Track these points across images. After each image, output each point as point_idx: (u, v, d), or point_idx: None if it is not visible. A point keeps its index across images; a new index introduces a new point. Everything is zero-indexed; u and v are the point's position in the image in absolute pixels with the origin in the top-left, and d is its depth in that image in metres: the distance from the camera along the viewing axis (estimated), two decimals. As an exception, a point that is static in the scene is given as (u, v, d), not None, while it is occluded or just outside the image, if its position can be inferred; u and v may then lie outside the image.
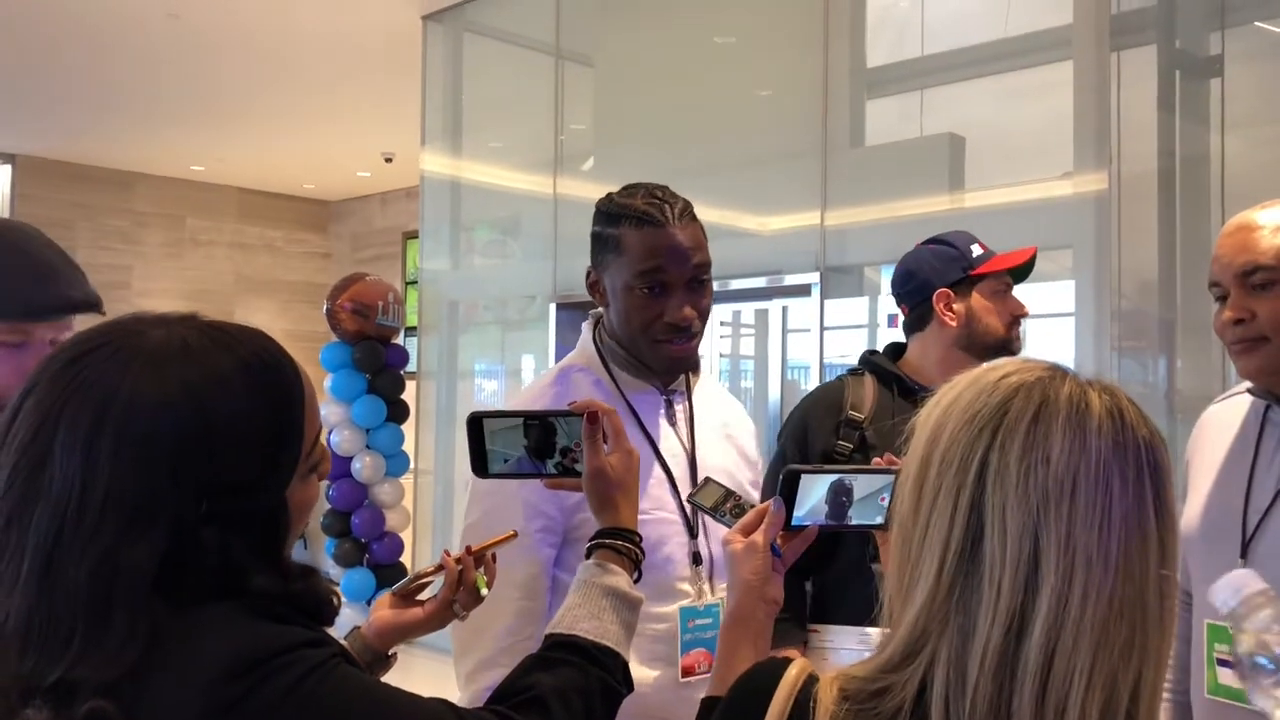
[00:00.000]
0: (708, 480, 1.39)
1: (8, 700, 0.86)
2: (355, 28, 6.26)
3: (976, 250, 2.20)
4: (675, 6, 5.17)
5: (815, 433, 2.18)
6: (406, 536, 5.88)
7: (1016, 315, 2.19)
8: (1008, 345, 2.17)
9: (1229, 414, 1.76)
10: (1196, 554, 1.69)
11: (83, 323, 1.69)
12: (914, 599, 0.89)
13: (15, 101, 8.04)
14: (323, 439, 1.06)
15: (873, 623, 1.86)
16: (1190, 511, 1.71)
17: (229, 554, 0.92)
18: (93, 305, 1.66)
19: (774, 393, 4.88)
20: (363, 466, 5.57)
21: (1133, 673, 0.84)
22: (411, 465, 5.97)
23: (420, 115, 6.25)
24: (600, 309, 1.83)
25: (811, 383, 4.40)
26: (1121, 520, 0.84)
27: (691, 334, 1.72)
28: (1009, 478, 0.86)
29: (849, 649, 1.94)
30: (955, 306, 2.17)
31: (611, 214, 1.72)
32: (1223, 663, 1.60)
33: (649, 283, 1.68)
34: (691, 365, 1.81)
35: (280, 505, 0.97)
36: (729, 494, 1.36)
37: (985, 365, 0.94)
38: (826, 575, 2.21)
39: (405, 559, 5.84)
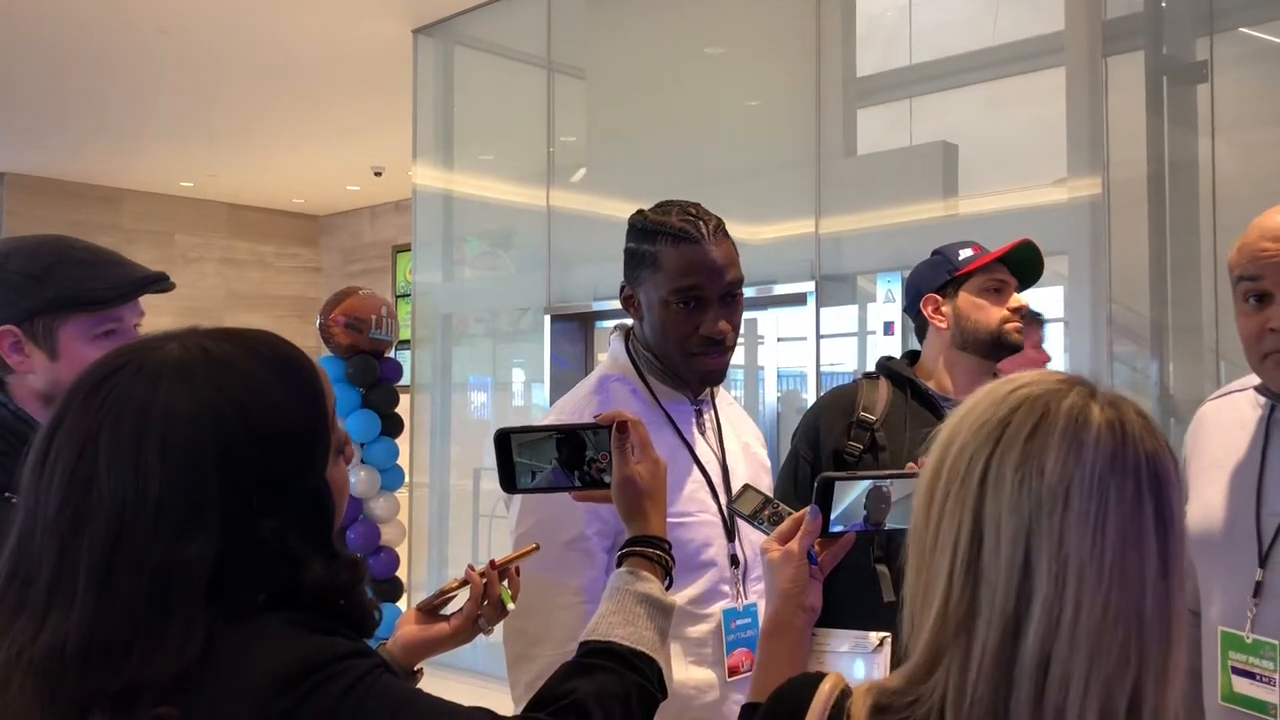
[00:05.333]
0: (746, 488, 1.41)
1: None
2: (345, 42, 6.26)
3: (965, 254, 2.27)
4: (666, 18, 5.18)
5: (826, 433, 2.23)
6: (402, 550, 5.86)
7: (1013, 310, 2.23)
8: (1000, 340, 2.22)
9: (1229, 412, 1.73)
10: (1207, 559, 1.66)
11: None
12: (930, 606, 0.91)
13: (3, 119, 8.01)
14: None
15: (874, 626, 1.88)
16: (1195, 514, 1.66)
17: (286, 542, 0.95)
18: (163, 277, 1.74)
19: (770, 401, 4.90)
20: (358, 481, 5.55)
21: (1130, 683, 0.85)
22: (407, 479, 5.96)
23: (412, 128, 6.25)
24: (630, 322, 1.86)
25: (809, 391, 4.42)
26: (1117, 531, 0.86)
27: (725, 347, 1.76)
28: (1004, 487, 0.88)
29: (844, 652, 1.96)
30: (944, 309, 2.25)
31: (647, 230, 1.74)
32: (1237, 670, 1.58)
33: (685, 298, 1.72)
34: (723, 378, 1.84)
35: (324, 486, 1.02)
36: (767, 501, 1.37)
37: (1009, 377, 0.96)
38: (831, 577, 2.24)
39: (401, 573, 5.82)
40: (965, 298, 2.23)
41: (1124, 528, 0.86)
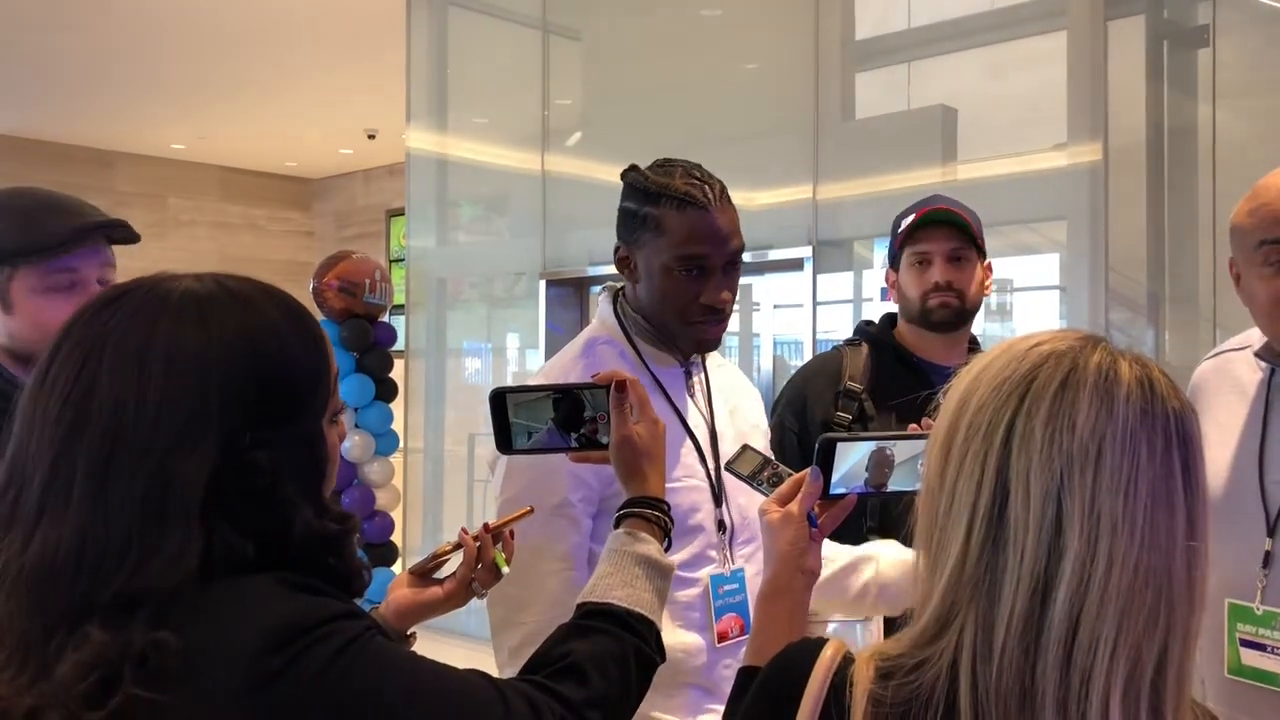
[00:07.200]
0: (745, 448, 1.39)
1: (53, 633, 0.86)
2: (338, 3, 6.19)
3: (908, 220, 2.17)
4: (662, -21, 5.12)
5: (814, 403, 2.18)
6: (397, 515, 5.87)
7: (935, 284, 2.11)
8: (925, 318, 2.13)
9: (1224, 376, 1.70)
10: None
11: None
12: (943, 567, 0.89)
13: (-8, 80, 7.94)
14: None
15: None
16: None
17: (278, 481, 0.94)
18: (118, 224, 1.71)
19: (766, 368, 4.89)
20: (352, 445, 5.54)
21: (1158, 644, 0.84)
22: (401, 444, 5.95)
23: (405, 91, 6.19)
24: (619, 284, 1.83)
25: (805, 358, 4.40)
26: (1148, 488, 0.84)
27: (724, 316, 1.73)
28: (1033, 443, 0.86)
29: (837, 622, 1.95)
30: (894, 280, 2.19)
31: (649, 192, 1.69)
32: (1245, 643, 1.55)
33: (689, 266, 1.67)
34: (718, 346, 1.82)
35: (318, 437, 1.01)
36: (767, 462, 1.36)
37: (1021, 335, 0.94)
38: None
39: (396, 538, 5.83)
40: (904, 270, 2.17)
41: (1155, 486, 0.85)
